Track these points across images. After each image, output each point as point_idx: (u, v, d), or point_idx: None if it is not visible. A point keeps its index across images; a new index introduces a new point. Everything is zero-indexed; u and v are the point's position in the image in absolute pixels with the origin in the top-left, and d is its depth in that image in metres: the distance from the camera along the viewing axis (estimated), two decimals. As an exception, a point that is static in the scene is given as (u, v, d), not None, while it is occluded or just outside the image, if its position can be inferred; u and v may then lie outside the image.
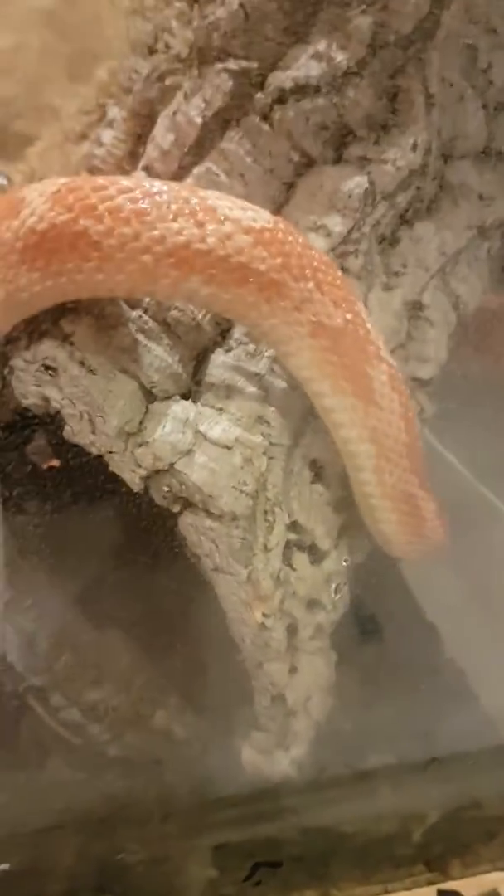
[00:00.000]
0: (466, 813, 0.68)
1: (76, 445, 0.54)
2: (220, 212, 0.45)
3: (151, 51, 0.59)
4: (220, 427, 0.53)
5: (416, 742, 0.69)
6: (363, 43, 0.53)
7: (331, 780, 0.66)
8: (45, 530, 0.72)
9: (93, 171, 0.59)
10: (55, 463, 0.71)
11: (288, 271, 0.46)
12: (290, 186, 0.55)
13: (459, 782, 0.69)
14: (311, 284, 0.47)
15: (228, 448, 0.53)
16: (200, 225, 0.44)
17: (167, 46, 0.58)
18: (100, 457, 0.54)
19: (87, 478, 0.66)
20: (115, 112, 0.60)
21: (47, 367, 0.52)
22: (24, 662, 0.71)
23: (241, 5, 0.54)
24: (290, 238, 0.47)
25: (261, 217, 0.47)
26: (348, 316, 0.48)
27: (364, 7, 0.52)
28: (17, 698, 0.69)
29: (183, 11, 0.58)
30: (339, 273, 0.49)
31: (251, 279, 0.46)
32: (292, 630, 0.58)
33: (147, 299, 0.53)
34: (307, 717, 0.58)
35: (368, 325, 0.50)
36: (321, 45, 0.53)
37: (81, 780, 0.68)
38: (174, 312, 0.54)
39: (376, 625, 0.82)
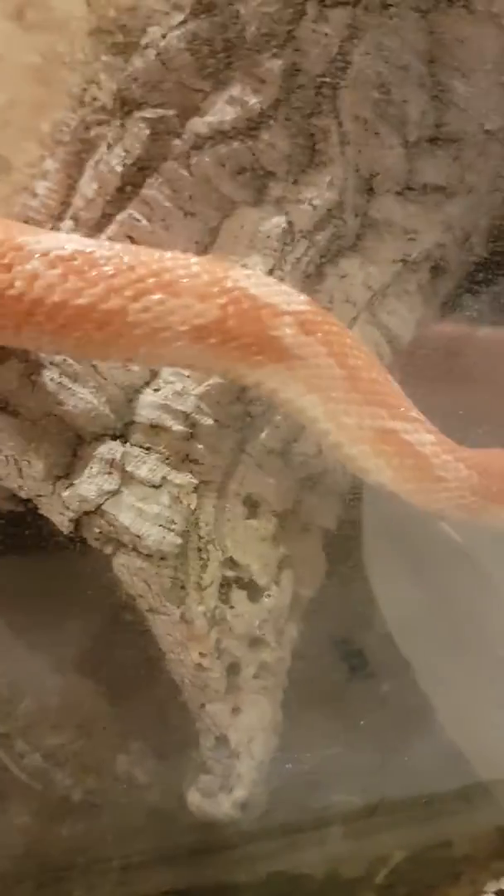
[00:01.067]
0: (433, 853, 0.66)
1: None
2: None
3: (81, 103, 0.61)
4: (147, 466, 0.53)
5: (381, 780, 0.68)
6: (275, 85, 0.54)
7: (291, 821, 0.65)
8: (3, 576, 0.72)
9: (28, 221, 0.61)
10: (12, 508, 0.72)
11: None
12: (214, 229, 0.56)
13: (426, 822, 0.68)
14: None
15: (156, 487, 0.53)
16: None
17: (94, 98, 0.59)
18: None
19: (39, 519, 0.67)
20: (49, 164, 0.62)
21: (-30, 412, 0.53)
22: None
23: (158, 55, 0.55)
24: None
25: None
26: None
27: (275, 50, 0.54)
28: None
29: (110, 63, 0.60)
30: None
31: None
32: (234, 669, 0.57)
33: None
34: (250, 759, 0.57)
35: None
36: (235, 90, 0.54)
37: (41, 827, 0.68)
38: (101, 355, 0.55)
39: (363, 660, 0.82)
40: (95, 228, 0.56)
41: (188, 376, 0.55)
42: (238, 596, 0.57)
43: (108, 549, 0.54)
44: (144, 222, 0.55)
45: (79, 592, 0.76)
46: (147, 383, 0.56)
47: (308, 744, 0.68)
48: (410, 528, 0.84)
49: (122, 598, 0.60)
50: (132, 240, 0.55)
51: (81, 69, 0.62)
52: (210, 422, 0.55)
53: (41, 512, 0.55)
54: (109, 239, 0.55)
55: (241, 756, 0.57)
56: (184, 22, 0.55)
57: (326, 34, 0.53)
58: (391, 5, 0.53)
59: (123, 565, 0.54)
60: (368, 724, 0.73)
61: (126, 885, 0.63)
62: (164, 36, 0.56)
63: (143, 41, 0.57)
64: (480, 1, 0.54)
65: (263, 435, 0.56)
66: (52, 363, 0.53)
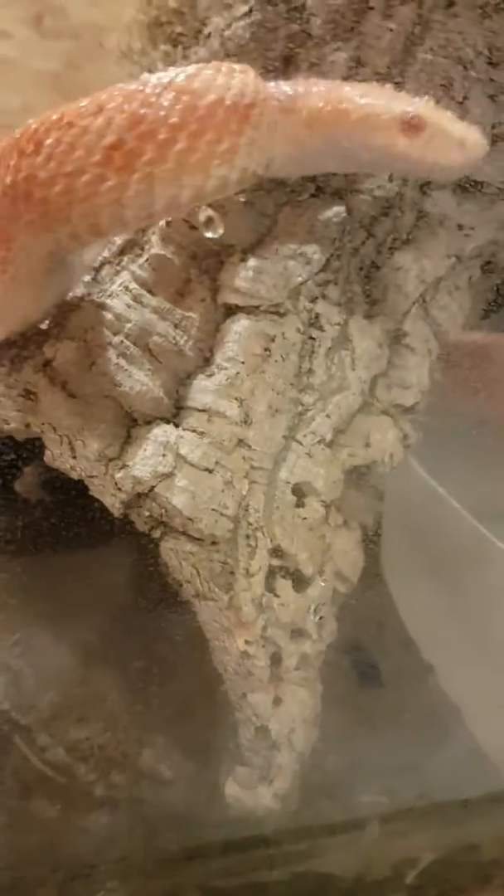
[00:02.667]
0: (462, 857, 0.65)
1: (63, 480, 0.55)
2: None
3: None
4: (200, 450, 0.53)
5: (409, 783, 0.67)
6: (339, 77, 0.54)
7: (320, 821, 0.64)
8: (33, 564, 0.72)
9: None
10: (42, 496, 0.71)
11: None
12: (272, 217, 0.56)
13: (455, 825, 0.67)
14: None
15: (209, 471, 0.53)
16: None
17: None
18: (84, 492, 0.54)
19: (72, 513, 0.66)
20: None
21: (28, 393, 0.53)
22: (10, 701, 0.70)
23: (222, 44, 0.56)
24: None
25: None
26: None
27: (340, 43, 0.55)
28: (2, 737, 0.68)
29: (169, 53, 0.61)
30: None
31: None
32: (276, 659, 0.57)
33: (129, 325, 0.54)
34: (291, 750, 0.56)
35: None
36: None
37: (66, 821, 0.66)
38: (156, 338, 0.55)
39: (376, 670, 0.81)
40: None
41: (242, 362, 0.55)
42: (283, 585, 0.56)
43: (157, 533, 0.54)
44: (210, 210, 0.55)
45: (104, 586, 0.76)
46: (199, 368, 0.56)
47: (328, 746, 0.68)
48: (429, 533, 0.85)
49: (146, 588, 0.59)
50: (192, 228, 0.55)
51: (139, 59, 0.63)
52: (263, 408, 0.55)
53: (91, 493, 0.54)
54: (168, 224, 0.55)
55: (281, 747, 0.56)
56: (249, 12, 0.56)
57: (391, 29, 0.54)
58: (455, 3, 0.54)
59: (172, 549, 0.53)
60: (389, 730, 0.72)
61: (152, 881, 0.62)
62: (228, 25, 0.56)
63: (206, 30, 0.58)
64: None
65: (314, 424, 0.56)
66: (110, 344, 0.53)
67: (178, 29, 0.61)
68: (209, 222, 0.51)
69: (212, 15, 0.59)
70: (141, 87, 0.44)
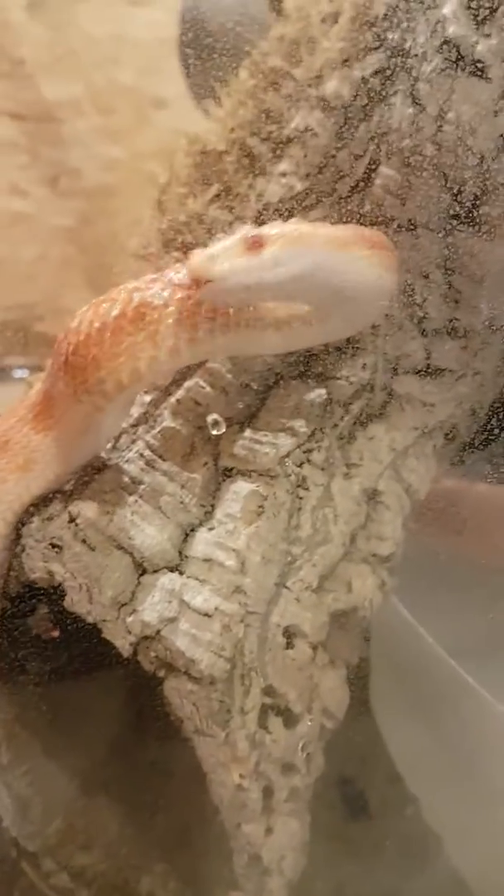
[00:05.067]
0: None
1: (75, 617, 0.62)
2: None
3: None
4: (201, 597, 0.60)
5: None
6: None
7: None
8: (42, 697, 0.77)
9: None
10: (55, 634, 0.78)
11: None
12: (263, 396, 0.67)
13: None
14: None
15: (209, 616, 0.60)
16: None
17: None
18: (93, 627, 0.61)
19: (81, 648, 0.73)
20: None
21: (54, 545, 0.61)
22: (18, 828, 0.74)
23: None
24: None
25: None
26: None
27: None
28: (11, 863, 0.72)
29: (180, 259, 0.73)
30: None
31: None
32: (268, 792, 0.62)
33: (142, 486, 0.63)
34: (281, 876, 0.60)
35: None
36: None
37: None
38: (165, 497, 0.63)
39: (364, 801, 0.85)
40: (165, 393, 0.67)
41: (239, 518, 0.63)
42: (275, 722, 0.62)
43: (161, 673, 0.61)
44: (208, 389, 0.66)
45: (108, 720, 0.81)
46: (201, 522, 0.65)
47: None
48: (411, 670, 0.91)
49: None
50: (198, 404, 0.65)
51: (156, 262, 0.75)
52: (257, 558, 0.63)
53: (104, 636, 0.61)
54: (177, 401, 0.66)
55: (272, 874, 0.60)
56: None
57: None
58: (416, 227, 0.66)
59: (174, 688, 0.60)
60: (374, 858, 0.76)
61: None
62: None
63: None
64: (488, 225, 0.67)
65: (302, 572, 0.64)
66: (126, 503, 0.61)
67: (189, 239, 0.73)
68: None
69: (216, 231, 0.71)
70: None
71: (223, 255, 0.51)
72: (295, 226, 0.54)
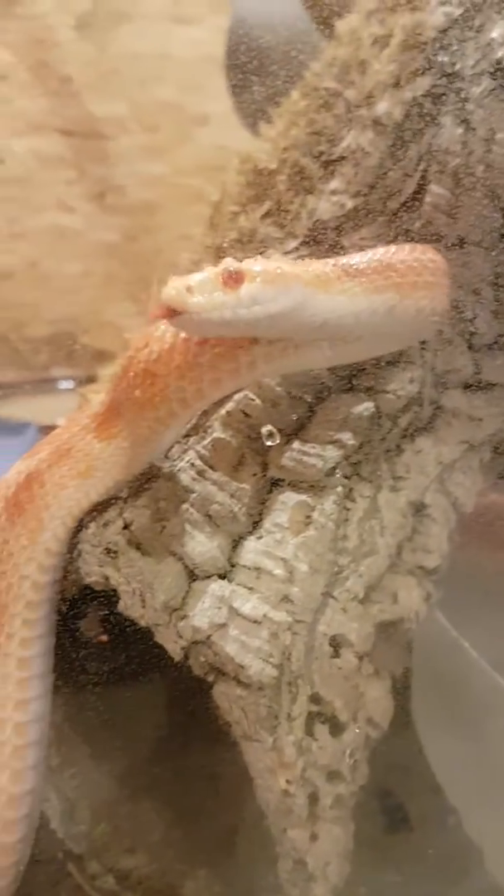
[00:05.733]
0: None
1: (126, 620, 0.64)
2: None
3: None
4: (250, 604, 0.62)
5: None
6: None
7: None
8: (92, 701, 0.79)
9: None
10: (104, 638, 0.80)
11: None
12: (311, 408, 0.68)
13: None
14: None
15: (257, 623, 0.62)
16: None
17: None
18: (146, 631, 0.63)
19: (131, 652, 0.74)
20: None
21: (109, 551, 0.63)
22: (65, 829, 0.76)
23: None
24: None
25: None
26: None
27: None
28: (58, 864, 0.74)
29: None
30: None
31: None
32: (314, 798, 0.63)
33: (193, 495, 0.65)
34: (326, 882, 0.61)
35: None
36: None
37: None
38: (215, 506, 0.65)
39: (404, 813, 0.86)
40: (215, 404, 0.68)
41: (287, 528, 0.65)
42: (321, 730, 0.63)
43: (211, 678, 0.62)
44: (258, 401, 0.67)
45: (156, 723, 0.83)
46: (250, 531, 0.66)
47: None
48: (454, 683, 0.91)
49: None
50: (247, 416, 0.67)
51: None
52: (305, 567, 0.64)
53: (156, 639, 0.63)
54: (227, 413, 0.67)
55: (317, 879, 0.61)
56: (296, 248, 0.70)
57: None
58: (466, 244, 0.67)
59: (224, 693, 0.61)
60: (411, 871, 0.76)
61: None
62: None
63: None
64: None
65: (349, 583, 0.65)
66: (178, 511, 0.63)
67: (239, 255, 0.75)
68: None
69: (267, 247, 0.73)
70: None
71: (199, 288, 0.51)
72: (277, 264, 0.54)
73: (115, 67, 2.05)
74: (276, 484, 0.67)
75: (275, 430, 0.64)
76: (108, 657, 0.75)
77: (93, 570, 0.63)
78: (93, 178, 2.06)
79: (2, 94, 1.98)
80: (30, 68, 2.01)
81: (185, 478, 0.66)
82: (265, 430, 0.64)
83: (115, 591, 0.63)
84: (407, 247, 0.60)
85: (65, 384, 1.82)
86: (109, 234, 2.18)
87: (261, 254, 0.64)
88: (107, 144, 2.06)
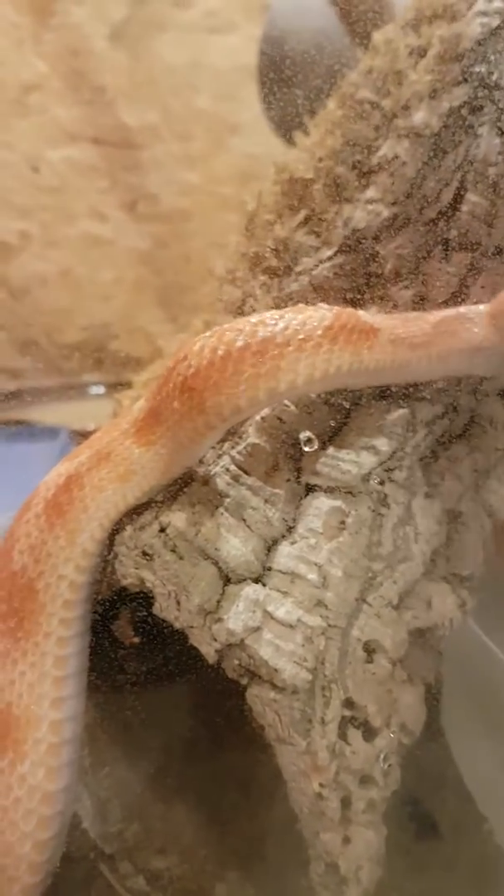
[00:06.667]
0: None
1: (159, 623, 0.64)
2: None
3: (239, 312, 0.75)
4: (284, 608, 0.62)
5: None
6: (405, 310, 0.68)
7: None
8: (125, 702, 0.80)
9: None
10: (135, 640, 0.81)
11: None
12: (346, 415, 0.69)
13: None
14: None
15: (291, 627, 0.62)
16: None
17: (252, 310, 0.74)
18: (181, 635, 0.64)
19: (167, 654, 0.75)
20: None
21: (145, 553, 0.64)
22: (97, 829, 0.77)
23: (310, 281, 0.70)
24: None
25: None
26: None
27: (406, 283, 0.68)
28: (89, 863, 0.74)
29: (265, 283, 0.76)
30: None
31: None
32: (346, 802, 0.63)
33: (228, 499, 0.66)
34: (358, 886, 0.61)
35: None
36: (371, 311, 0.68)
37: None
38: (249, 511, 0.66)
39: (432, 820, 0.85)
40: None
41: (321, 533, 0.65)
42: (354, 734, 0.63)
43: (245, 680, 0.63)
44: (292, 408, 0.68)
45: (187, 725, 0.83)
46: (284, 536, 0.67)
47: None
48: (485, 691, 0.90)
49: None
50: (282, 422, 0.68)
51: (242, 285, 0.78)
52: (339, 573, 0.64)
53: (191, 642, 0.64)
54: (262, 419, 0.68)
55: (349, 883, 0.61)
56: (333, 256, 0.71)
57: (449, 272, 0.68)
58: (501, 253, 0.68)
59: (257, 696, 0.62)
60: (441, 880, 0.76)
61: None
62: (316, 266, 0.71)
63: (298, 268, 0.73)
64: None
65: (383, 588, 0.65)
66: (213, 515, 0.64)
67: (274, 263, 0.76)
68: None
69: (301, 255, 0.74)
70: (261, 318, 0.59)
71: None
72: None
73: (150, 77, 2.07)
74: (310, 489, 0.67)
75: (313, 436, 0.65)
76: (144, 658, 0.76)
77: (129, 573, 0.64)
78: (125, 186, 2.08)
79: (37, 103, 2.01)
80: (64, 78, 2.04)
81: (220, 482, 0.67)
82: (303, 435, 0.65)
83: (150, 593, 0.64)
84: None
85: (95, 389, 1.84)
86: (141, 242, 2.20)
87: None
88: (140, 153, 2.08)
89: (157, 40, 2.07)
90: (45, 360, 2.03)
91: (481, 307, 0.62)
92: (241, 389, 0.58)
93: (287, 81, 1.35)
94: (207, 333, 0.60)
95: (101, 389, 1.83)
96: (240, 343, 0.58)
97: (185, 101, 2.11)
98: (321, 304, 0.60)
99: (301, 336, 0.59)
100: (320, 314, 0.59)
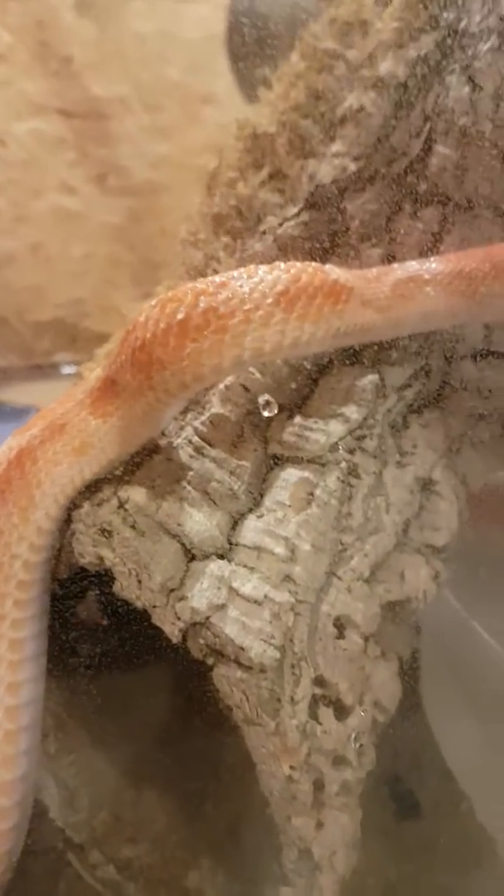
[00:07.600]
0: None
1: (123, 604, 0.61)
2: None
3: (202, 275, 0.72)
4: (251, 584, 0.59)
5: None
6: (374, 269, 0.64)
7: None
8: (90, 686, 0.77)
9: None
10: (103, 621, 0.78)
11: None
12: (314, 382, 0.65)
13: None
14: None
15: (258, 604, 0.59)
16: None
17: (215, 272, 0.70)
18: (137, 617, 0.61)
19: (129, 637, 0.72)
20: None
21: (104, 531, 0.61)
22: (64, 818, 0.74)
23: (275, 240, 0.67)
24: None
25: None
26: None
27: (374, 241, 0.65)
28: (57, 854, 0.72)
29: (228, 244, 0.72)
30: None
31: None
32: (319, 785, 0.60)
33: (191, 472, 0.62)
34: (332, 872, 0.59)
35: None
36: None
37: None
38: (214, 484, 0.63)
39: (414, 799, 0.84)
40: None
41: (289, 506, 0.62)
42: (325, 713, 0.61)
43: (210, 660, 0.60)
44: (258, 375, 0.65)
45: (155, 709, 0.81)
46: (250, 510, 0.64)
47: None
48: (464, 665, 0.88)
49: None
50: (247, 391, 0.64)
51: (203, 247, 0.74)
52: (307, 546, 0.61)
53: (153, 621, 0.61)
54: (226, 387, 0.65)
55: (323, 869, 0.59)
56: (298, 213, 0.67)
57: (419, 228, 0.64)
58: (473, 206, 0.64)
59: (224, 676, 0.59)
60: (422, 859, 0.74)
61: None
62: (280, 224, 0.67)
63: (262, 227, 0.69)
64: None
65: (353, 562, 0.63)
66: (175, 489, 0.61)
67: (238, 224, 0.72)
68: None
69: (266, 214, 0.70)
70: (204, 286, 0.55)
71: None
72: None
73: (118, 47, 2.02)
74: (277, 460, 0.64)
75: (272, 400, 0.62)
76: (101, 639, 0.73)
77: (87, 551, 0.61)
78: (95, 159, 2.03)
79: (2, 75, 1.95)
80: (30, 49, 1.98)
81: (183, 454, 0.64)
82: (262, 399, 0.62)
83: (109, 572, 0.61)
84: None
85: (68, 369, 1.80)
86: (113, 217, 2.15)
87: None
88: (109, 125, 2.03)
89: (125, 9, 2.01)
90: (16, 338, 1.98)
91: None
92: (184, 365, 0.54)
93: (254, 43, 1.30)
94: (153, 302, 0.56)
95: (73, 369, 1.79)
96: (180, 315, 0.54)
97: (155, 72, 2.05)
98: (278, 263, 0.55)
99: (248, 306, 0.55)
100: (273, 277, 0.55)
